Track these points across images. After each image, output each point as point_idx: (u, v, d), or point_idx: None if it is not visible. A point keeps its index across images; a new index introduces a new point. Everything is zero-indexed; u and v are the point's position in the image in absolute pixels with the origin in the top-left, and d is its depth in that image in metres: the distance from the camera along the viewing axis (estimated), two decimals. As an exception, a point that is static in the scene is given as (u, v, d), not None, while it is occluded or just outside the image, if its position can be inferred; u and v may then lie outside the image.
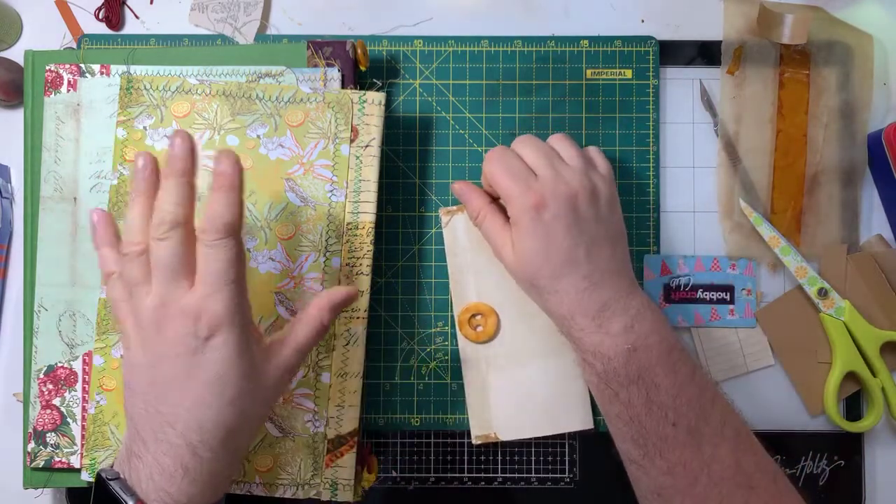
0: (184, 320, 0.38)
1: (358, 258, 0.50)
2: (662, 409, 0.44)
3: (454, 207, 0.55)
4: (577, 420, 0.53)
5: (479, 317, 0.54)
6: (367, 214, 0.51)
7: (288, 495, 0.49)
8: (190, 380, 0.39)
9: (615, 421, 0.46)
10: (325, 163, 0.51)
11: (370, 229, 0.51)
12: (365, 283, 0.50)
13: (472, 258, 0.54)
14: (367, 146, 0.51)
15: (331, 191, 0.51)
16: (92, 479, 0.49)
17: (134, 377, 0.40)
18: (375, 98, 0.51)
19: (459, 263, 0.54)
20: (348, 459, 0.49)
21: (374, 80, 0.55)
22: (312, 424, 0.49)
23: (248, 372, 0.39)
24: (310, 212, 0.50)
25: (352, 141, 0.51)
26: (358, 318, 0.50)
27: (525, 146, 0.49)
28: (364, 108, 0.51)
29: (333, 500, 0.49)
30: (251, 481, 0.49)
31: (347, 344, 0.50)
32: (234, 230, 0.39)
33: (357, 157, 0.51)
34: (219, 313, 0.38)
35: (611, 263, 0.47)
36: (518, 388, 0.53)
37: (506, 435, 0.53)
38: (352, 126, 0.51)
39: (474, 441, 0.53)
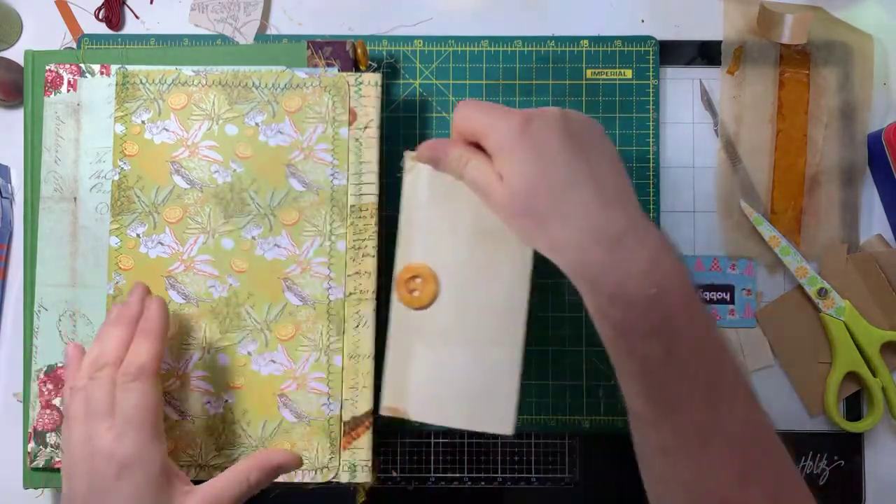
0: (99, 458, 0.41)
1: (363, 240, 0.51)
2: (682, 363, 0.38)
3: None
4: (496, 421, 0.47)
5: (418, 280, 0.47)
6: (369, 196, 0.51)
7: (307, 480, 0.49)
8: None
9: (627, 379, 0.40)
10: (325, 147, 0.51)
11: (374, 210, 0.51)
12: (371, 264, 0.51)
13: (427, 215, 0.47)
14: (365, 128, 0.51)
15: (332, 174, 0.51)
16: None
17: None
18: (371, 79, 0.51)
19: (413, 218, 0.48)
20: (365, 440, 0.50)
21: (371, 62, 0.55)
22: (327, 408, 0.50)
23: None
24: (312, 196, 0.51)
25: (350, 123, 0.51)
26: (366, 299, 0.51)
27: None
28: (360, 89, 0.51)
29: (353, 482, 0.50)
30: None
31: (358, 326, 0.50)
32: (148, 373, 0.42)
33: (357, 140, 0.51)
34: (127, 455, 0.40)
35: (618, 183, 0.40)
36: (442, 371, 0.47)
37: (417, 415, 0.47)
38: (349, 108, 0.51)
39: (382, 411, 0.46)
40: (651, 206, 0.56)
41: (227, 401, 0.50)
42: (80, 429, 0.42)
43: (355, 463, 0.50)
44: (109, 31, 0.58)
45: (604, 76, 0.57)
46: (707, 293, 0.56)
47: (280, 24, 0.58)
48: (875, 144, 0.56)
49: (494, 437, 0.51)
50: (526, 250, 0.46)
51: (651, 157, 0.56)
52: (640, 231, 0.38)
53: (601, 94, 0.57)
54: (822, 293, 0.55)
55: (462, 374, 0.47)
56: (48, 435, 0.51)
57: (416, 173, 0.47)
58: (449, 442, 0.56)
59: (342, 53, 0.52)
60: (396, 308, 0.48)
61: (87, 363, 0.44)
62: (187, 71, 0.51)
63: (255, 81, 0.51)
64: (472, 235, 0.47)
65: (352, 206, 0.51)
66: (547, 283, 0.55)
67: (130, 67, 0.52)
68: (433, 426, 0.55)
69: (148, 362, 0.43)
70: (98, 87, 0.52)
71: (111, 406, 0.42)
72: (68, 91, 0.52)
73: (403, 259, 0.48)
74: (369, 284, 0.51)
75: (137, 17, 0.58)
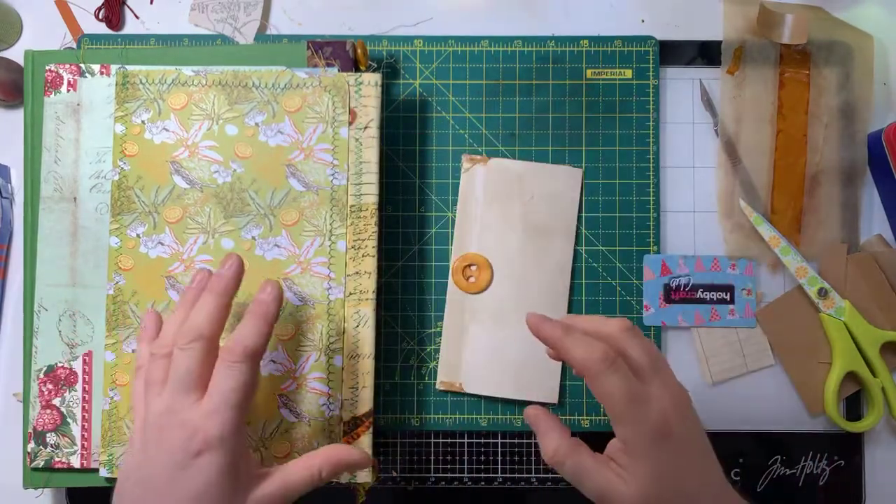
0: (181, 432, 0.39)
1: (363, 240, 0.51)
2: None
3: (478, 157, 0.56)
4: (543, 392, 0.54)
5: (473, 268, 0.55)
6: (369, 196, 0.51)
7: None
8: (170, 493, 0.39)
9: None
10: (325, 147, 0.51)
11: (374, 210, 0.51)
12: (371, 264, 0.51)
13: (483, 211, 0.55)
14: (365, 128, 0.51)
15: (332, 174, 0.51)
16: (112, 475, 0.50)
17: (125, 477, 0.41)
18: (371, 79, 0.51)
19: (468, 212, 0.55)
20: (365, 440, 0.50)
21: (371, 62, 0.55)
22: (327, 408, 0.50)
23: (226, 497, 0.40)
24: (312, 196, 0.51)
25: (350, 123, 0.51)
26: (367, 300, 0.51)
27: (627, 340, 0.42)
28: (360, 89, 0.51)
29: (352, 482, 0.50)
30: (269, 468, 0.49)
31: (358, 326, 0.50)
32: (253, 357, 0.41)
33: (357, 140, 0.51)
34: (212, 434, 0.39)
35: (718, 479, 0.42)
36: (494, 346, 0.54)
37: (471, 388, 0.54)
38: (349, 108, 0.51)
39: (438, 386, 0.55)
40: (651, 206, 0.56)
41: None
42: (159, 398, 0.41)
43: None
44: (109, 31, 0.58)
45: (604, 76, 0.57)
46: (707, 293, 0.56)
47: (280, 24, 0.58)
48: (875, 144, 0.56)
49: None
50: (569, 243, 0.55)
51: (651, 157, 0.56)
52: None
53: (601, 94, 0.57)
54: (822, 293, 0.55)
55: (512, 351, 0.55)
56: (48, 435, 0.51)
57: (472, 173, 0.55)
58: (449, 442, 0.56)
59: (342, 53, 0.52)
60: (453, 292, 0.55)
61: (172, 330, 0.43)
62: (187, 71, 0.51)
63: (255, 81, 0.51)
64: (523, 229, 0.55)
65: (352, 206, 0.51)
66: (547, 283, 0.55)
67: (130, 67, 0.52)
68: (434, 426, 0.55)
69: (257, 346, 0.41)
70: (98, 87, 0.52)
71: (201, 379, 0.41)
72: (68, 91, 0.52)
73: (459, 249, 0.55)
74: (369, 284, 0.51)
75: (137, 17, 0.58)
